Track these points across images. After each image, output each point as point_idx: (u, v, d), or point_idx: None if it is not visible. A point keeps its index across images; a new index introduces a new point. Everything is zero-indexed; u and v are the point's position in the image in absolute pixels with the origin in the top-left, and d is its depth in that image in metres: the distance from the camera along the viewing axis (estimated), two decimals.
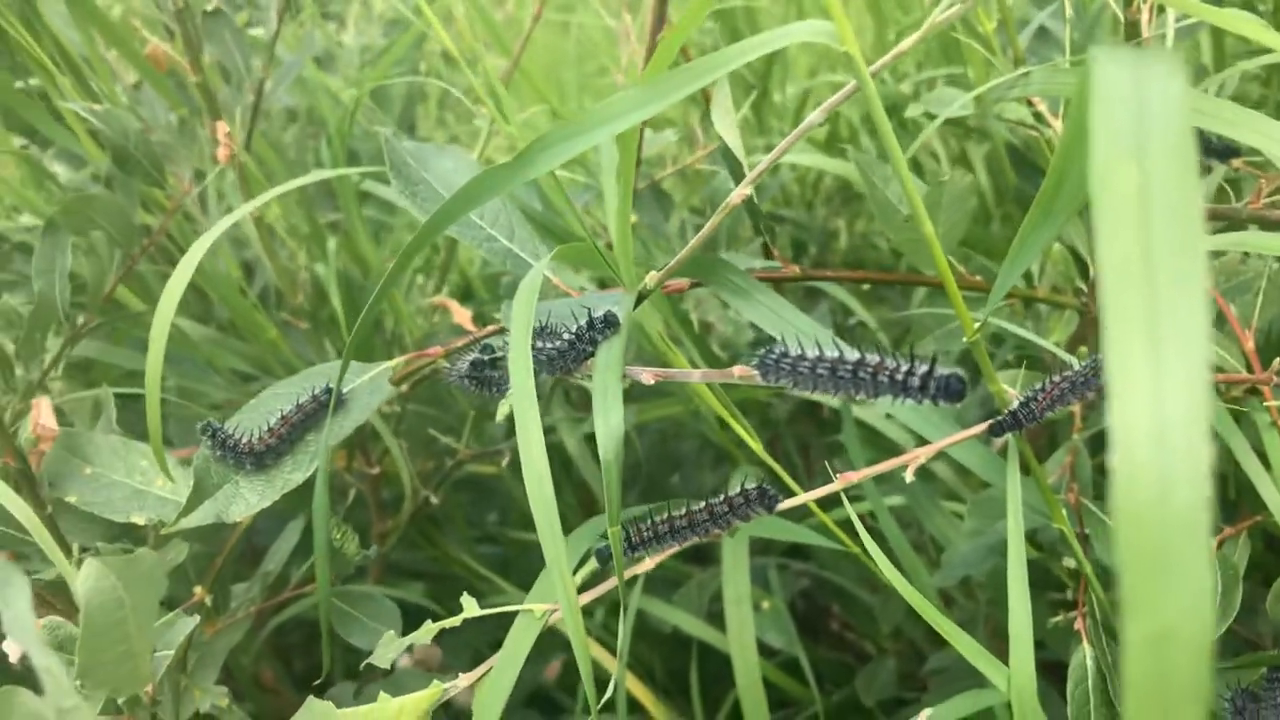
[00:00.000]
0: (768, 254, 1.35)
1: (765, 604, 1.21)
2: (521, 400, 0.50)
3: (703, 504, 0.62)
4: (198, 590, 0.85)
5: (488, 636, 1.34)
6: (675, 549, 0.61)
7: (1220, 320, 0.81)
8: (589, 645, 1.02)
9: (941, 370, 0.48)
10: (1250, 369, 0.76)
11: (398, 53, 1.22)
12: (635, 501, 1.54)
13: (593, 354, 0.58)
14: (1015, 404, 0.68)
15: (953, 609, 1.22)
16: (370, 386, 0.75)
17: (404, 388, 0.81)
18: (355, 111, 1.19)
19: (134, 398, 1.38)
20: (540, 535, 0.48)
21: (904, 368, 0.49)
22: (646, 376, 0.59)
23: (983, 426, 0.66)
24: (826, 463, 1.55)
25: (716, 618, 1.28)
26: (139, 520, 0.79)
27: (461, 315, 0.94)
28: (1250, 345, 0.77)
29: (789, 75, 2.32)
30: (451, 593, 1.44)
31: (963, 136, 1.65)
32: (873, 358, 0.50)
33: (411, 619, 0.97)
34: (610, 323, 0.58)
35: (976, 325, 0.57)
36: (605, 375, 0.53)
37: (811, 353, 0.51)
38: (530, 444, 0.49)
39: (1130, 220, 0.28)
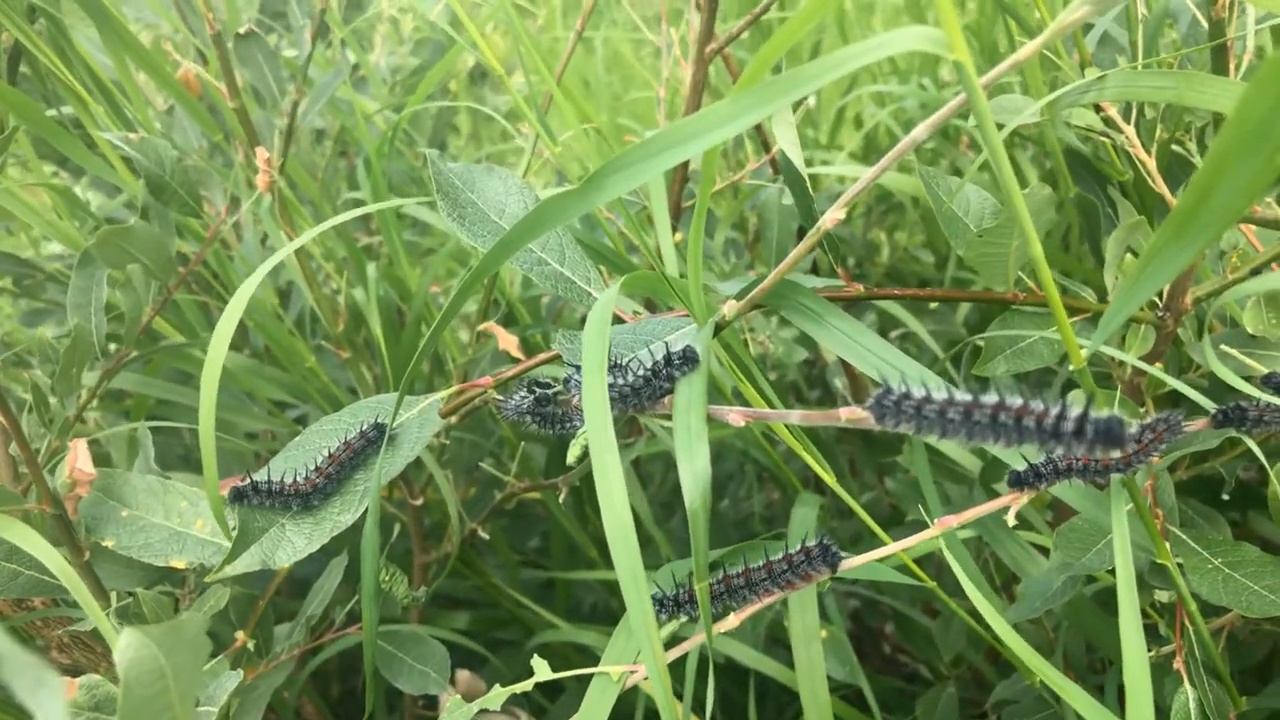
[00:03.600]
0: (815, 269, 1.31)
1: (823, 633, 1.16)
2: (599, 442, 0.46)
3: (760, 565, 0.58)
4: (239, 635, 0.82)
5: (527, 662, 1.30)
6: (751, 609, 0.57)
7: None
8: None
9: (1097, 414, 0.43)
10: None
11: (436, 76, 1.18)
12: (681, 526, 1.50)
13: (669, 391, 0.54)
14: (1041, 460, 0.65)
15: (1020, 636, 1.17)
16: (419, 420, 0.71)
17: (453, 420, 0.77)
18: (394, 137, 1.15)
19: (158, 434, 1.35)
20: (624, 590, 0.44)
21: (1054, 411, 0.44)
22: (735, 418, 0.54)
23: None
24: (882, 483, 1.50)
25: (767, 642, 1.23)
26: (179, 564, 0.76)
27: (508, 341, 0.90)
28: None
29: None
30: (495, 622, 1.41)
31: (1009, 146, 1.60)
32: (1013, 400, 0.44)
33: (455, 651, 0.94)
34: (689, 359, 0.53)
35: (1083, 353, 0.52)
36: (689, 416, 0.49)
37: (939, 395, 0.46)
38: (611, 490, 0.44)
39: None
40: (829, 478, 0.67)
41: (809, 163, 1.65)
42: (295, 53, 1.39)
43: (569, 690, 1.33)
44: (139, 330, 0.90)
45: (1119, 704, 0.97)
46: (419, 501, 1.12)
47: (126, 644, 0.40)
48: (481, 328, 0.91)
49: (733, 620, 0.57)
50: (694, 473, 0.46)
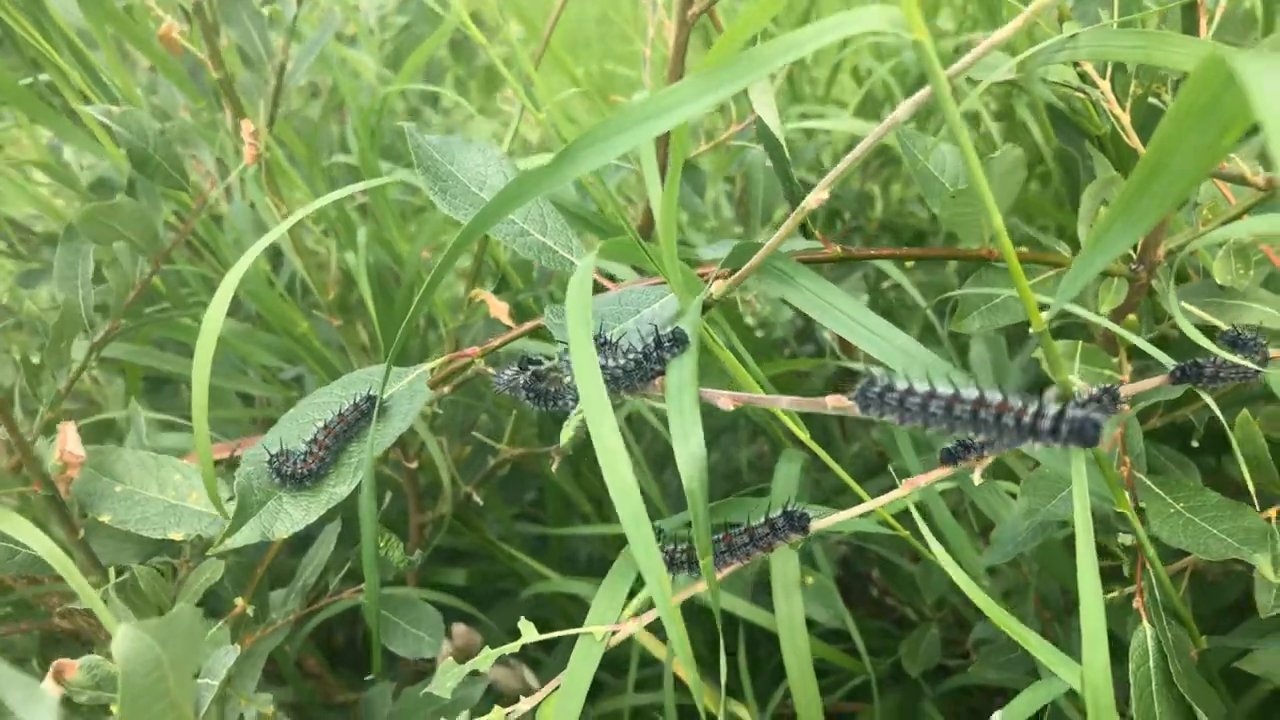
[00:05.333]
0: (805, 232, 1.31)
1: (809, 580, 1.19)
2: (597, 418, 0.47)
3: (740, 528, 0.60)
4: (238, 602, 0.84)
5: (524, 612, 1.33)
6: (728, 570, 0.59)
7: None
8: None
9: (1075, 412, 0.44)
10: None
11: (430, 47, 1.17)
12: (674, 479, 1.52)
13: (660, 372, 0.55)
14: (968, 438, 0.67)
15: (997, 579, 1.20)
16: (409, 391, 0.73)
17: (445, 390, 0.79)
18: (382, 110, 1.15)
19: (158, 389, 1.37)
20: (638, 559, 0.45)
21: (1031, 408, 0.45)
22: (724, 401, 0.56)
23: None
24: (869, 431, 1.52)
25: (759, 589, 1.26)
26: (176, 536, 0.77)
27: (499, 309, 0.91)
28: None
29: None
30: (491, 576, 1.44)
31: (1006, 95, 1.60)
32: (994, 396, 0.46)
33: (450, 609, 0.96)
34: (679, 340, 0.55)
35: (1045, 315, 0.54)
36: (681, 397, 0.50)
37: (922, 388, 0.48)
38: (617, 468, 0.45)
39: None
40: (802, 434, 0.69)
41: (805, 115, 1.65)
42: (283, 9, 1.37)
43: (564, 642, 1.36)
44: (125, 305, 0.91)
45: None
46: (414, 464, 1.14)
47: (123, 637, 0.41)
48: (473, 295, 0.92)
49: (722, 572, 0.59)
50: (689, 454, 0.48)
